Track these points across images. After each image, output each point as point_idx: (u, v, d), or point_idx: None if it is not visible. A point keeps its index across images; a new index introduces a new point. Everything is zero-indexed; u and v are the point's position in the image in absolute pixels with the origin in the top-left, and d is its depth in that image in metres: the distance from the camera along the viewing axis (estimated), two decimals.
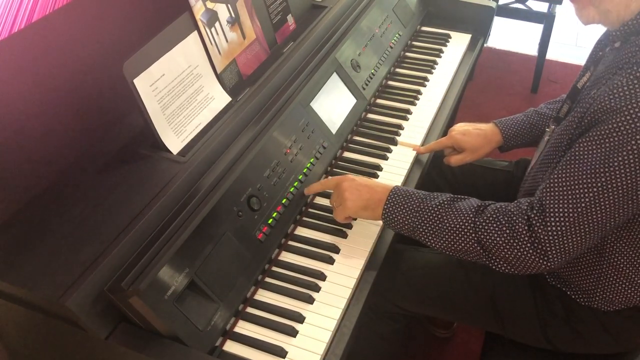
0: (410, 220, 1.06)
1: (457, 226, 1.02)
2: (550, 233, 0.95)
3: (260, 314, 1.00)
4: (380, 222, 1.14)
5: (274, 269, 1.08)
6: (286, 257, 1.11)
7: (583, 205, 0.93)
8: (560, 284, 1.14)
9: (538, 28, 2.85)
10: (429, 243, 1.06)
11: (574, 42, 3.37)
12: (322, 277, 1.06)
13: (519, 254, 0.97)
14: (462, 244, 1.02)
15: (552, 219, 0.95)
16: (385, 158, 1.34)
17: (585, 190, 0.93)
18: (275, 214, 1.10)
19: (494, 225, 0.99)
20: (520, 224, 0.97)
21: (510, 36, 3.33)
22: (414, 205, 1.06)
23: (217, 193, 1.00)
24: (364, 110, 1.45)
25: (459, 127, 1.36)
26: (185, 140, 1.09)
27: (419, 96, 1.53)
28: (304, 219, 1.18)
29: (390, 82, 1.59)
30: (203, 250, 0.95)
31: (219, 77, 1.18)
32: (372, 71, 1.50)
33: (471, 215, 1.02)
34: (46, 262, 0.89)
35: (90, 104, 1.12)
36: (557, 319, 1.14)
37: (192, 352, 0.88)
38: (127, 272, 0.87)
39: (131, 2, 1.23)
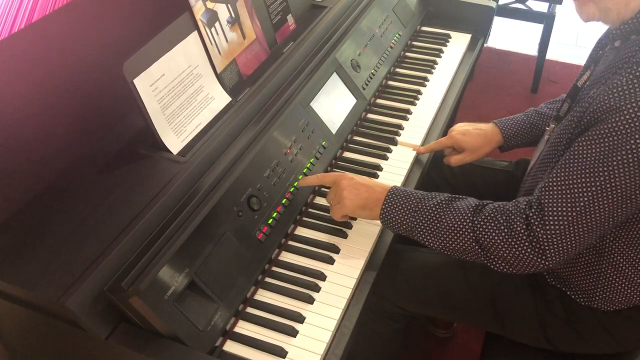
0: (408, 220, 1.06)
1: (455, 225, 1.02)
2: (548, 232, 0.95)
3: (260, 314, 1.00)
4: (380, 222, 1.14)
5: (274, 269, 1.08)
6: (286, 257, 1.11)
7: (582, 204, 0.93)
8: (560, 283, 1.14)
9: (538, 28, 2.85)
10: (427, 243, 1.06)
11: (574, 42, 3.37)
12: (322, 277, 1.06)
13: (517, 252, 0.97)
14: (461, 244, 1.02)
15: (551, 218, 0.95)
16: (385, 158, 1.34)
17: (584, 189, 0.93)
18: (275, 214, 1.10)
19: (492, 224, 0.99)
20: (518, 223, 0.97)
21: (510, 36, 3.33)
22: (412, 205, 1.06)
23: (217, 193, 1.00)
24: (364, 110, 1.45)
25: (459, 127, 1.36)
26: (185, 140, 1.09)
27: (419, 96, 1.53)
28: (304, 219, 1.18)
29: (390, 82, 1.59)
30: (203, 250, 0.95)
31: (219, 77, 1.18)
32: (372, 71, 1.50)
33: (469, 215, 1.02)
34: (46, 262, 0.89)
35: (90, 104, 1.12)
36: (557, 319, 1.14)
37: (192, 352, 0.88)
38: (127, 272, 0.87)
39: (131, 2, 1.23)
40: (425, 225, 1.05)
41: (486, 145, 1.34)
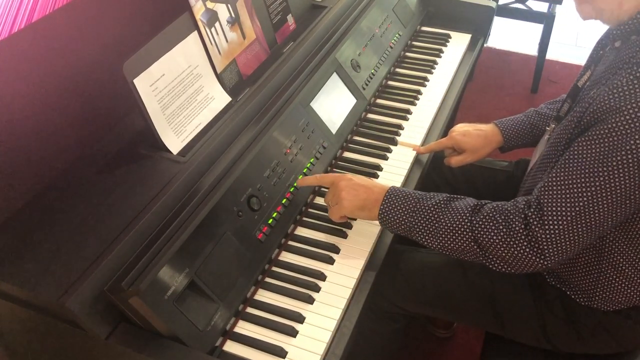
0: (406, 221, 1.06)
1: (454, 225, 1.02)
2: (547, 232, 0.95)
3: (260, 314, 1.00)
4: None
5: (274, 269, 1.08)
6: (286, 257, 1.11)
7: (581, 204, 0.93)
8: (559, 283, 1.14)
9: (538, 28, 2.85)
10: (426, 243, 1.06)
11: (574, 42, 3.37)
12: (322, 277, 1.06)
13: (516, 252, 0.97)
14: (459, 243, 1.02)
15: (550, 218, 0.95)
16: (385, 158, 1.34)
17: (583, 189, 0.93)
18: (275, 214, 1.10)
19: (491, 223, 0.99)
20: (517, 223, 0.97)
21: (510, 36, 3.33)
22: (411, 206, 1.06)
23: (217, 193, 1.00)
24: (364, 110, 1.45)
25: (459, 128, 1.35)
26: (185, 140, 1.09)
27: (419, 96, 1.53)
28: (304, 219, 1.18)
29: (390, 82, 1.59)
30: (203, 250, 0.95)
31: (219, 77, 1.18)
32: (372, 71, 1.50)
33: (468, 215, 1.02)
34: (46, 262, 0.89)
35: (90, 104, 1.12)
36: (557, 319, 1.14)
37: (192, 352, 0.88)
38: (127, 272, 0.87)
39: (131, 2, 1.23)
40: (424, 225, 1.05)
41: (486, 146, 1.34)
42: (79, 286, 0.83)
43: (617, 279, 1.06)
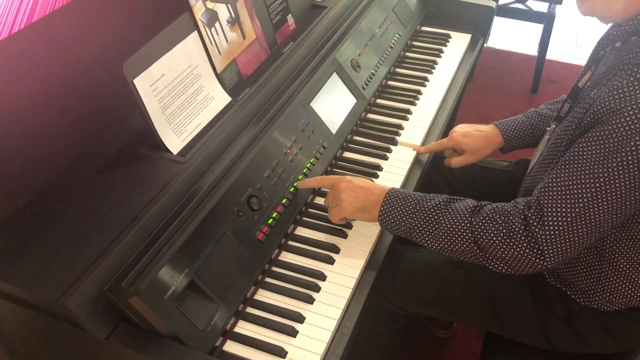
0: (406, 222, 1.06)
1: (454, 227, 1.02)
2: (547, 233, 0.95)
3: (260, 314, 1.00)
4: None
5: (274, 269, 1.08)
6: (286, 257, 1.11)
7: (581, 205, 0.93)
8: (560, 283, 1.14)
9: (538, 28, 2.85)
10: (425, 244, 1.06)
11: (574, 42, 3.37)
12: (322, 277, 1.06)
13: (516, 253, 0.97)
14: (459, 245, 1.02)
15: (550, 219, 0.95)
16: (385, 158, 1.34)
17: (584, 190, 0.93)
18: (275, 214, 1.10)
19: (491, 224, 0.99)
20: (516, 224, 0.97)
21: (510, 36, 3.33)
22: (410, 207, 1.06)
23: (217, 193, 1.00)
24: (364, 110, 1.45)
25: (460, 129, 1.35)
26: (185, 140, 1.09)
27: (419, 96, 1.53)
28: (304, 219, 1.18)
29: (390, 82, 1.59)
30: (203, 250, 0.95)
31: (219, 77, 1.18)
32: (372, 71, 1.50)
33: (467, 216, 1.02)
34: (46, 262, 0.89)
35: (90, 104, 1.12)
36: (557, 318, 1.14)
37: (192, 352, 0.88)
38: (127, 272, 0.87)
39: (131, 2, 1.23)
40: (424, 227, 1.05)
41: (487, 147, 1.34)
42: (79, 286, 0.83)
43: (618, 280, 1.06)
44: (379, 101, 1.52)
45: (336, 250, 1.11)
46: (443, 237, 1.03)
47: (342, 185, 1.11)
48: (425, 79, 1.59)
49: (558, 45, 3.24)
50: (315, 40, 1.37)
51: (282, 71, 1.25)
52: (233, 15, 1.21)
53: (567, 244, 0.95)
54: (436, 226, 1.04)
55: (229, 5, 1.20)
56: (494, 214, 1.00)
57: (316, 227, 1.16)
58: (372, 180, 1.24)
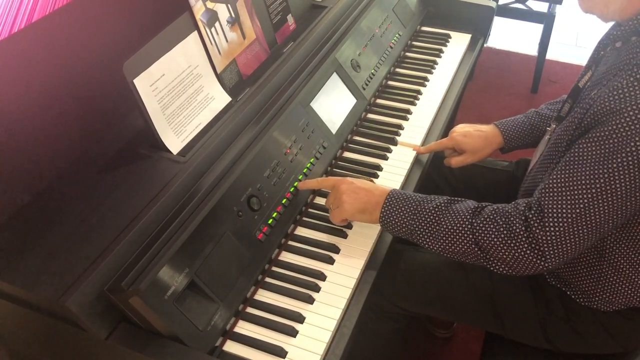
0: (407, 223, 1.06)
1: (455, 228, 1.02)
2: (548, 234, 0.95)
3: (260, 314, 1.00)
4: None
5: (274, 269, 1.08)
6: (286, 257, 1.11)
7: (581, 206, 0.93)
8: (560, 284, 1.14)
9: (538, 28, 2.85)
10: (426, 246, 1.06)
11: (574, 42, 3.37)
12: (322, 277, 1.06)
13: (517, 254, 0.97)
14: (460, 246, 1.02)
15: (550, 220, 0.95)
16: (385, 158, 1.34)
17: (584, 191, 0.93)
18: (275, 214, 1.10)
19: (492, 226, 0.99)
20: (517, 225, 0.97)
21: (510, 36, 3.33)
22: (411, 208, 1.06)
23: (217, 193, 1.00)
24: (364, 110, 1.45)
25: (460, 129, 1.35)
26: (185, 140, 1.09)
27: (419, 96, 1.53)
28: (304, 219, 1.18)
29: (390, 82, 1.59)
30: (203, 250, 0.95)
31: (219, 77, 1.18)
32: (372, 71, 1.50)
33: (468, 217, 1.02)
34: (46, 262, 0.89)
35: (90, 104, 1.12)
36: (557, 319, 1.14)
37: (192, 352, 0.88)
38: (127, 272, 0.87)
39: (131, 2, 1.23)
40: (425, 228, 1.05)
41: (487, 147, 1.34)
42: (79, 286, 0.83)
43: (618, 280, 1.06)
44: (379, 101, 1.52)
45: (336, 250, 1.11)
46: (444, 238, 1.03)
47: (343, 187, 1.11)
48: (425, 79, 1.59)
49: (558, 45, 3.24)
50: (315, 40, 1.37)
51: (282, 71, 1.25)
52: (233, 15, 1.21)
53: (568, 244, 0.95)
54: (437, 228, 1.04)
55: (229, 5, 1.20)
56: (495, 215, 1.00)
57: (316, 227, 1.16)
58: (372, 181, 1.24)
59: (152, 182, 1.00)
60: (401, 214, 1.07)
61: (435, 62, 1.65)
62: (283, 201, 1.13)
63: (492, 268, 1.02)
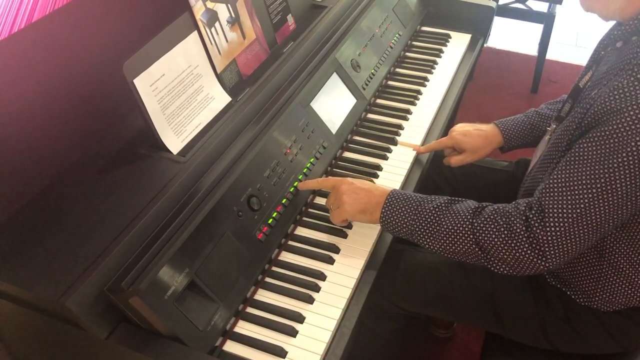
0: (408, 224, 1.06)
1: (455, 228, 1.02)
2: (548, 233, 0.95)
3: (260, 314, 1.00)
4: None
5: (274, 269, 1.08)
6: (286, 257, 1.11)
7: (582, 206, 0.93)
8: (560, 284, 1.14)
9: (538, 28, 2.85)
10: (427, 246, 1.06)
11: (574, 42, 3.37)
12: (322, 277, 1.06)
13: (517, 254, 0.97)
14: (460, 246, 1.02)
15: (551, 220, 0.95)
16: (385, 158, 1.34)
17: (585, 191, 0.93)
18: (275, 214, 1.10)
19: (492, 226, 0.99)
20: (518, 225, 0.97)
21: (510, 36, 3.33)
22: (412, 209, 1.06)
23: (217, 193, 1.00)
24: (364, 110, 1.45)
25: (460, 128, 1.35)
26: (185, 140, 1.09)
27: (419, 96, 1.53)
28: (304, 219, 1.18)
29: (390, 82, 1.59)
30: (203, 250, 0.95)
31: (219, 77, 1.18)
32: (372, 71, 1.50)
33: (469, 217, 1.02)
34: (46, 262, 0.89)
35: (90, 103, 1.12)
36: (557, 319, 1.14)
37: (192, 352, 0.88)
38: (127, 272, 0.87)
39: (131, 2, 1.23)
40: (425, 228, 1.05)
41: (487, 146, 1.34)
42: (79, 286, 0.83)
43: (618, 280, 1.06)
44: (379, 101, 1.52)
45: (336, 250, 1.11)
46: (444, 238, 1.03)
47: (343, 187, 1.11)
48: (425, 79, 1.59)
49: (558, 45, 3.24)
50: (315, 40, 1.37)
51: (282, 71, 1.25)
52: (233, 15, 1.21)
53: (569, 244, 0.95)
54: (437, 228, 1.04)
55: (229, 5, 1.20)
56: (496, 216, 1.00)
57: (316, 227, 1.16)
58: (372, 181, 1.24)
59: (152, 182, 1.00)
60: (401, 214, 1.07)
61: (435, 62, 1.65)
62: (283, 201, 1.13)
63: (492, 268, 1.02)
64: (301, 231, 1.16)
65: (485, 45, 2.09)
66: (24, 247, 0.92)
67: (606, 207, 0.92)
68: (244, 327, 0.98)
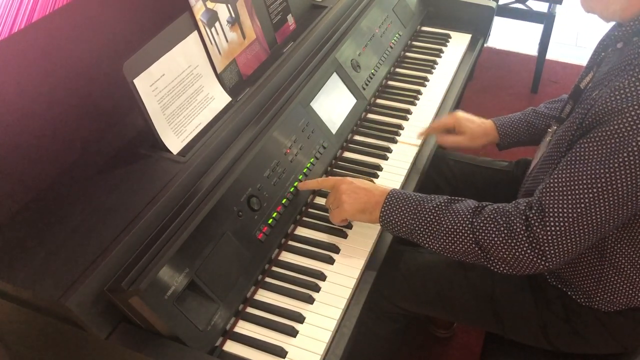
0: (407, 223, 1.06)
1: (455, 228, 1.02)
2: (548, 233, 0.95)
3: (260, 314, 1.00)
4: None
5: (274, 269, 1.08)
6: (286, 257, 1.11)
7: (583, 205, 0.93)
8: (560, 284, 1.14)
9: (538, 28, 2.85)
10: (427, 245, 1.06)
11: (574, 42, 3.37)
12: (322, 277, 1.06)
13: (517, 254, 0.97)
14: (460, 246, 1.02)
15: (551, 219, 0.95)
16: (385, 158, 1.34)
17: (585, 191, 0.93)
18: (275, 214, 1.10)
19: (492, 225, 0.99)
20: (518, 224, 0.97)
21: (510, 36, 3.33)
22: (411, 208, 1.06)
23: (217, 193, 1.00)
24: (364, 110, 1.45)
25: (464, 113, 1.38)
26: (185, 140, 1.09)
27: (419, 96, 1.53)
28: (304, 219, 1.18)
29: (390, 82, 1.59)
30: (203, 250, 0.95)
31: (219, 77, 1.18)
32: (372, 71, 1.50)
33: (469, 217, 1.02)
34: (46, 262, 0.89)
35: (90, 103, 1.12)
36: (557, 319, 1.14)
37: (192, 352, 0.88)
38: (127, 272, 0.87)
39: (131, 2, 1.23)
40: (425, 227, 1.05)
41: (483, 137, 1.37)
42: (79, 286, 0.83)
43: (619, 280, 1.06)
44: (379, 101, 1.52)
45: (336, 250, 1.11)
46: (444, 238, 1.03)
47: (342, 187, 1.11)
48: (425, 79, 1.59)
49: (558, 45, 3.24)
50: (315, 40, 1.37)
51: (282, 71, 1.25)
52: (233, 15, 1.21)
53: (569, 244, 0.95)
54: (437, 227, 1.04)
55: (229, 5, 1.20)
56: (496, 215, 1.00)
57: (316, 227, 1.16)
58: (372, 181, 1.24)
59: (152, 182, 1.00)
60: (401, 213, 1.07)
61: (435, 62, 1.65)
62: (283, 201, 1.13)
63: (492, 268, 1.02)
64: (301, 231, 1.16)
65: (485, 45, 2.09)
66: (24, 247, 0.92)
67: (606, 207, 0.92)
68: (244, 327, 0.98)
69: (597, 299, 1.09)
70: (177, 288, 0.89)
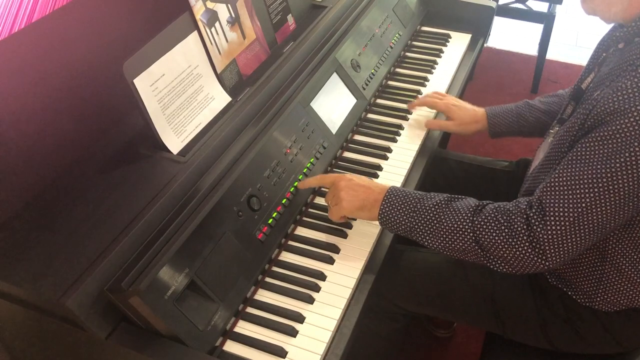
0: (407, 221, 1.06)
1: (455, 226, 1.02)
2: (549, 232, 0.95)
3: (260, 314, 1.00)
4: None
5: (274, 269, 1.08)
6: (286, 257, 1.11)
7: (583, 205, 0.93)
8: (561, 284, 1.14)
9: (538, 28, 2.85)
10: (426, 243, 1.06)
11: (574, 42, 3.37)
12: (322, 277, 1.06)
13: (517, 253, 0.97)
14: (460, 244, 1.02)
15: (552, 218, 0.95)
16: (385, 158, 1.34)
17: (586, 190, 0.93)
18: (275, 214, 1.10)
19: (492, 224, 0.99)
20: (518, 223, 0.97)
21: (510, 36, 3.33)
22: (411, 206, 1.06)
23: (217, 193, 1.00)
24: (364, 110, 1.45)
25: (456, 100, 1.41)
26: (185, 140, 1.09)
27: (419, 96, 1.53)
28: (304, 219, 1.18)
29: (390, 82, 1.59)
30: (203, 250, 0.95)
31: (219, 77, 1.18)
32: (372, 71, 1.50)
33: (469, 215, 1.02)
34: (46, 262, 0.89)
35: (90, 103, 1.12)
36: (558, 319, 1.14)
37: (192, 352, 0.88)
38: (127, 272, 0.87)
39: (131, 2, 1.23)
40: (424, 225, 1.05)
41: (472, 124, 1.39)
42: (79, 286, 0.83)
43: (619, 281, 1.06)
44: (379, 101, 1.52)
45: (336, 250, 1.11)
46: (444, 236, 1.03)
47: (341, 184, 1.11)
48: (425, 79, 1.59)
49: (558, 45, 3.24)
50: (315, 40, 1.37)
51: (282, 71, 1.25)
52: (233, 15, 1.21)
53: (569, 243, 0.95)
54: (437, 225, 1.04)
55: (229, 5, 1.20)
56: (496, 214, 1.00)
57: (316, 227, 1.16)
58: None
59: (152, 182, 1.00)
60: (400, 211, 1.07)
61: (435, 62, 1.65)
62: (283, 201, 1.13)
63: (492, 267, 1.02)
64: (301, 231, 1.16)
65: (485, 45, 2.10)
66: (24, 247, 0.92)
67: (607, 207, 0.92)
68: (244, 327, 0.98)
69: (598, 299, 1.09)
70: (177, 288, 0.89)
